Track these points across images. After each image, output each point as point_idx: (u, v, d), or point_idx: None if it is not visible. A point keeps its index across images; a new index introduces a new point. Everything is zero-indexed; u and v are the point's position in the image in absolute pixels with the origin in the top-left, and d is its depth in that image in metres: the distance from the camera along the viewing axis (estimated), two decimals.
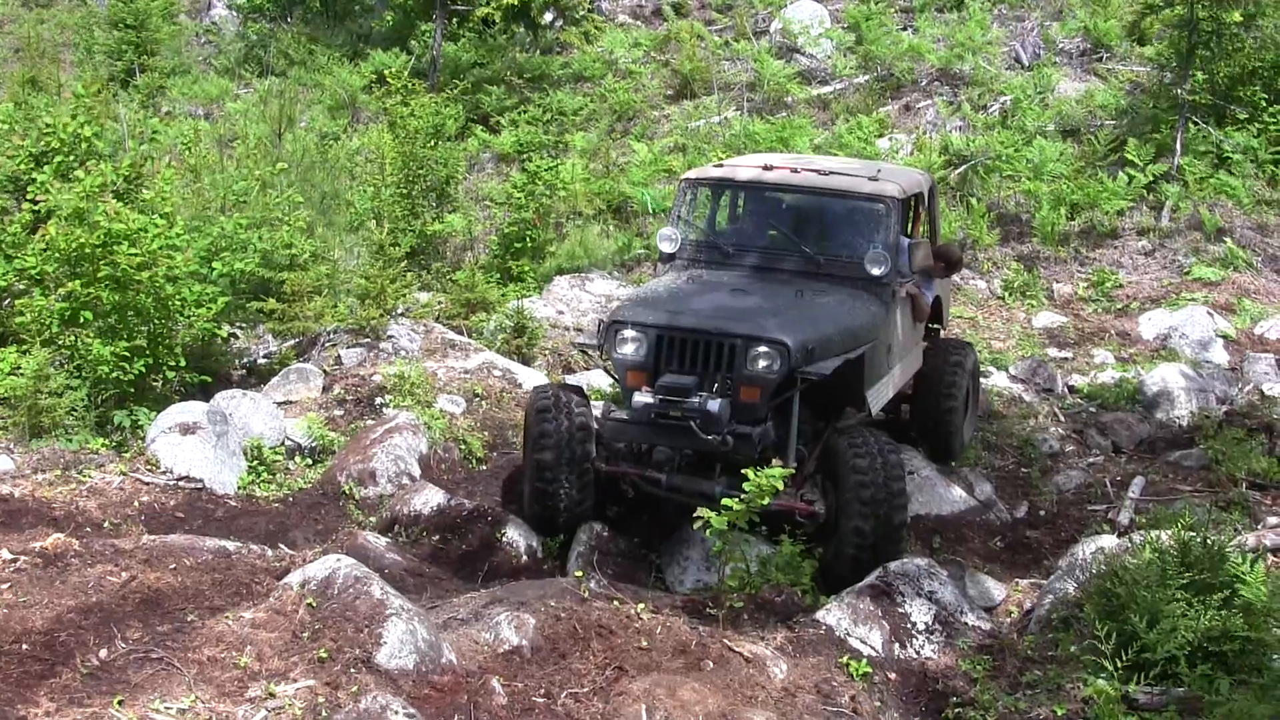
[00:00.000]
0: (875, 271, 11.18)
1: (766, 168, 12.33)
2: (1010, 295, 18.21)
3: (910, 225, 13.08)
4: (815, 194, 11.99)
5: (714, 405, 9.76)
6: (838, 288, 11.22)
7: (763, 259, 11.77)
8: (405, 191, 18.32)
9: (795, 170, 12.23)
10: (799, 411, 10.21)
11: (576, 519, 10.67)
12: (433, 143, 18.95)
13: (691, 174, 12.71)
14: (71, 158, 13.41)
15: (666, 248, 11.93)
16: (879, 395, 11.05)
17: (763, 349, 9.93)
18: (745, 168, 12.62)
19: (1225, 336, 16.24)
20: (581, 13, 26.61)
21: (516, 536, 10.50)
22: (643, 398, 10.03)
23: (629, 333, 10.35)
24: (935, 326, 13.80)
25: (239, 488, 11.35)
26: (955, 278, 16.75)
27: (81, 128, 13.62)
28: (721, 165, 13.31)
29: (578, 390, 10.98)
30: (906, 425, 13.10)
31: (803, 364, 9.94)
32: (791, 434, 10.16)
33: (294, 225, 14.85)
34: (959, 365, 12.72)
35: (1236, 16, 19.44)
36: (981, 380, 14.19)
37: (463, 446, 12.55)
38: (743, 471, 9.27)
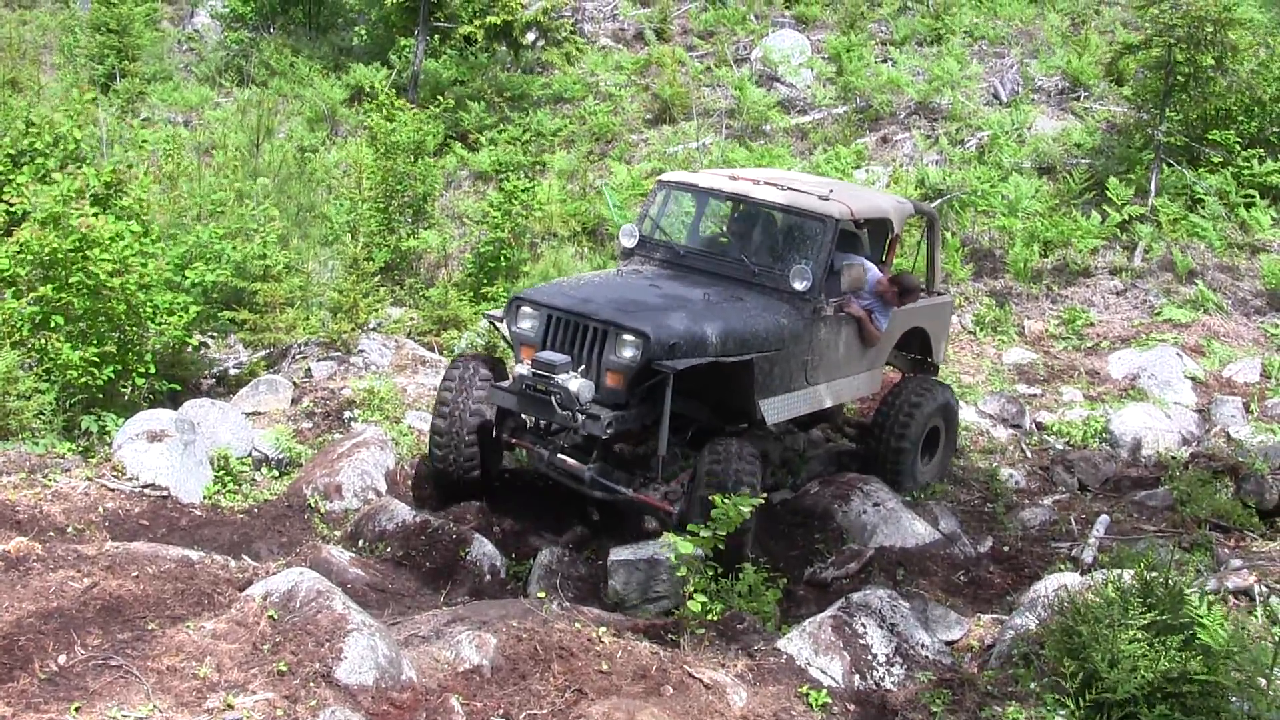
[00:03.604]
0: (798, 286, 11.62)
1: (733, 178, 12.83)
2: (981, 330, 18.27)
3: (885, 251, 13.22)
4: (764, 207, 12.44)
5: (574, 384, 10.50)
6: (758, 297, 11.72)
7: (708, 263, 12.30)
8: (382, 206, 18.32)
9: (757, 183, 12.62)
10: (674, 404, 10.65)
11: (466, 482, 11.57)
12: (413, 159, 18.95)
13: (665, 176, 13.19)
14: (51, 160, 13.34)
15: (626, 242, 12.72)
16: (780, 407, 11.56)
17: (626, 337, 10.56)
18: (716, 176, 13.09)
19: (1194, 378, 16.30)
20: (564, 34, 26.63)
21: (480, 555, 10.49)
22: (520, 369, 10.89)
23: (527, 309, 11.19)
24: (924, 359, 14.01)
25: (204, 497, 11.30)
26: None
27: (73, 130, 13.55)
28: (698, 173, 13.70)
29: (493, 363, 11.70)
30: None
31: (662, 358, 10.45)
32: (662, 425, 10.62)
33: (268, 237, 14.82)
34: (917, 406, 12.84)
35: (1210, 60, 19.61)
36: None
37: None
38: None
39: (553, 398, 10.56)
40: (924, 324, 13.65)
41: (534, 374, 10.69)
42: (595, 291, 11.38)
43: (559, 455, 11.21)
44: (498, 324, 11.76)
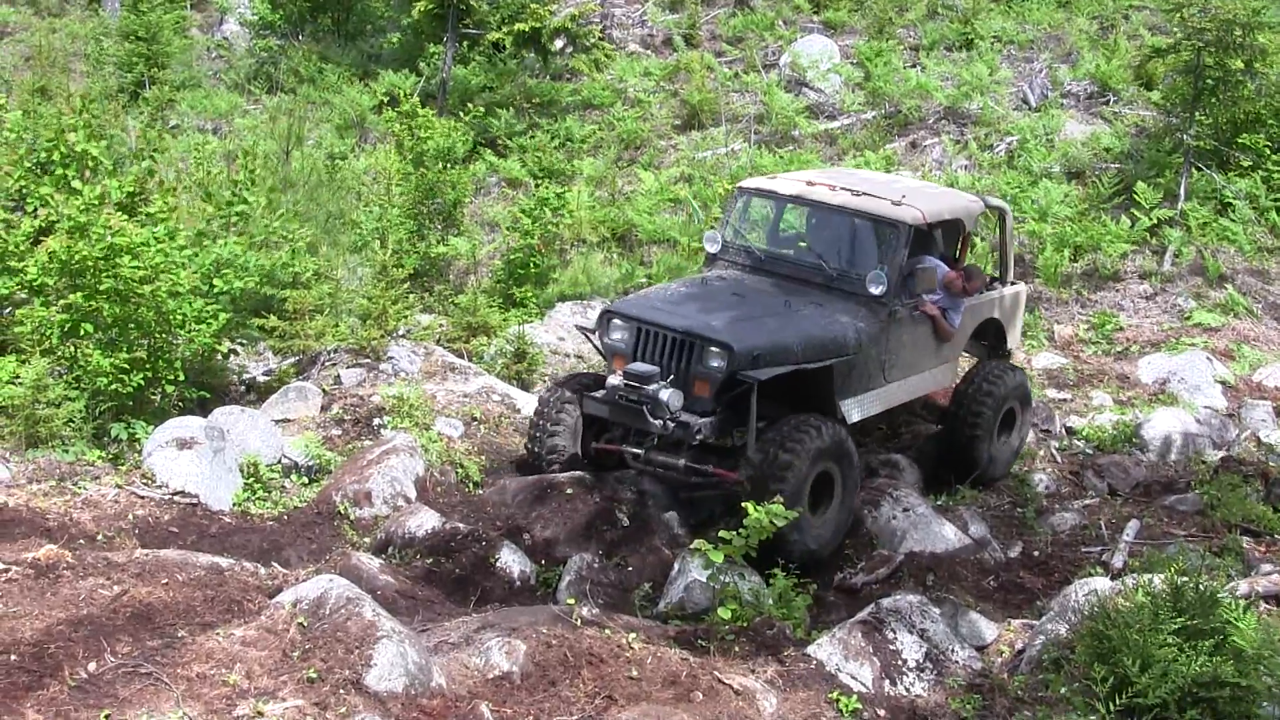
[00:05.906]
0: (874, 290, 12.08)
1: (810, 184, 13.09)
2: None
3: (958, 250, 13.71)
4: (840, 212, 12.73)
5: (665, 394, 11.03)
6: (835, 302, 12.16)
7: (788, 268, 12.72)
8: (413, 213, 18.34)
9: (833, 188, 12.89)
10: (761, 407, 11.12)
11: (550, 466, 12.22)
12: (445, 166, 19.00)
13: (744, 183, 13.64)
14: (72, 170, 13.38)
15: (710, 248, 13.19)
16: (861, 406, 12.10)
17: (712, 349, 11.14)
18: (792, 181, 13.37)
19: (1224, 382, 16.23)
20: (592, 40, 26.60)
21: (509, 562, 10.49)
22: (613, 380, 11.46)
23: (617, 322, 11.84)
24: (999, 347, 14.41)
25: (234, 504, 11.33)
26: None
27: (87, 144, 13.57)
28: (774, 177, 14.06)
29: (587, 379, 12.42)
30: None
31: (746, 368, 11.01)
32: (749, 430, 11.09)
33: (296, 247, 14.82)
34: (989, 394, 13.27)
35: (1240, 63, 19.52)
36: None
37: (459, 470, 12.55)
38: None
39: (644, 407, 11.12)
40: (998, 315, 14.08)
41: (626, 385, 11.23)
42: (682, 304, 11.94)
43: (653, 454, 11.64)
44: (590, 335, 12.37)
